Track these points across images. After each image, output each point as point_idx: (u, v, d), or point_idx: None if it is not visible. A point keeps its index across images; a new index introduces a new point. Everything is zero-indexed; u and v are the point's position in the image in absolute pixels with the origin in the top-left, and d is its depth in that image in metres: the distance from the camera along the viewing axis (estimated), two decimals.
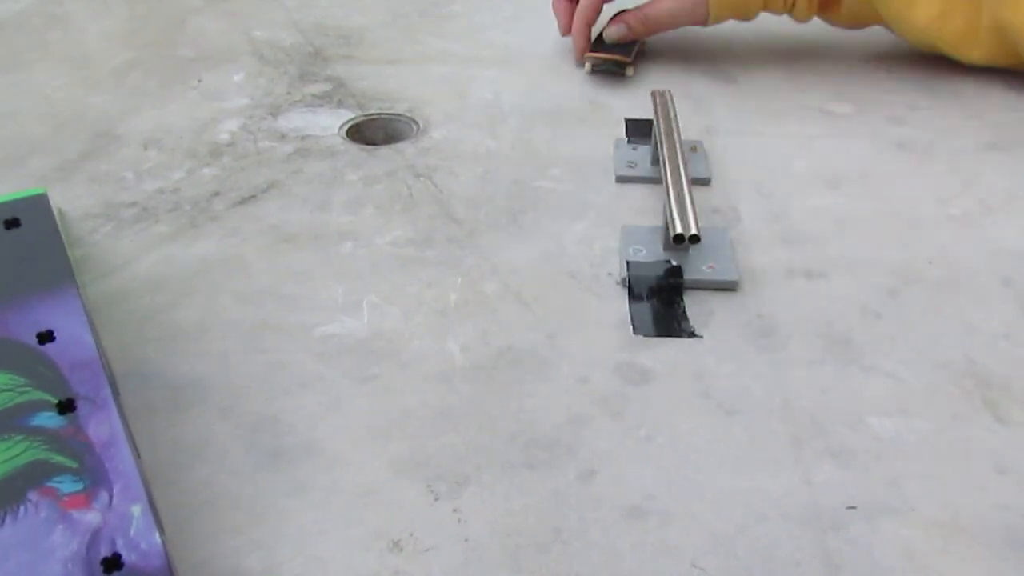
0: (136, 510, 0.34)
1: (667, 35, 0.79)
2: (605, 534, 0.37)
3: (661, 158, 0.56)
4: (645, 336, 0.47)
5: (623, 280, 0.51)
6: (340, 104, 0.69)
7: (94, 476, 0.35)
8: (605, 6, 0.75)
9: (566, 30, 0.76)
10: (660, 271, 0.51)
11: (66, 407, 0.38)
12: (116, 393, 0.40)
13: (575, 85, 0.72)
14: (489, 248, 0.54)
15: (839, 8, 0.72)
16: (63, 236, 0.48)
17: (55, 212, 0.50)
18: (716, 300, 0.50)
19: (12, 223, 0.47)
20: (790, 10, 0.73)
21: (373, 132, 0.67)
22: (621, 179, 0.60)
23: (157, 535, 0.33)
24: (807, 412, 0.43)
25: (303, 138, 0.65)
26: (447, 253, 0.53)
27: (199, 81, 0.72)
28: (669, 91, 0.64)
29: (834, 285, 0.51)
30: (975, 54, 0.70)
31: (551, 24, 0.77)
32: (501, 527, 0.38)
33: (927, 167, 0.62)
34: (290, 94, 0.70)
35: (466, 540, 0.37)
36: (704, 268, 0.51)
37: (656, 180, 0.59)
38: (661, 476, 0.40)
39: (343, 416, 0.43)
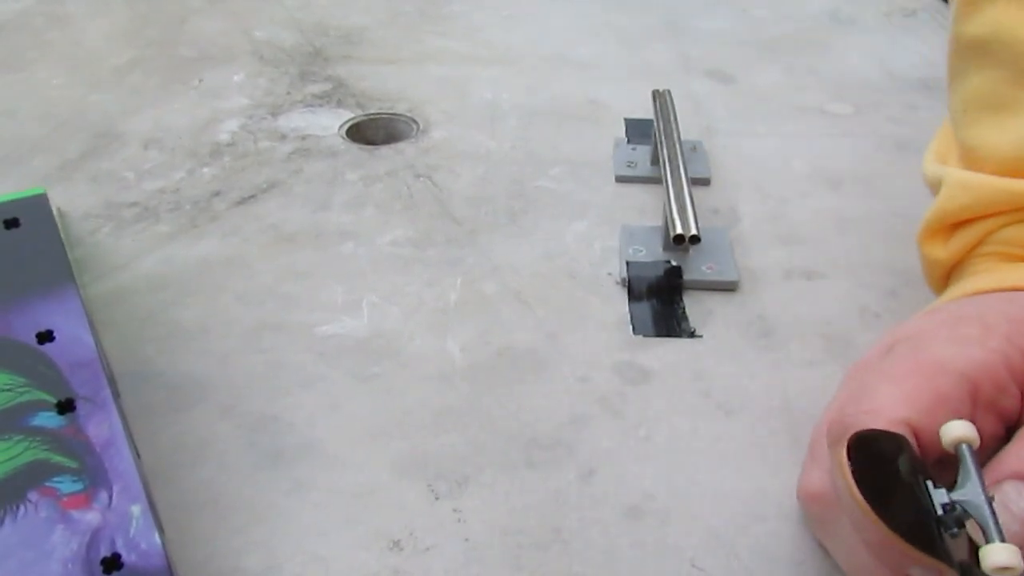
0: (136, 510, 0.34)
1: (665, 37, 0.78)
2: (605, 534, 0.37)
3: (661, 158, 0.56)
4: (645, 336, 0.47)
5: (623, 280, 0.51)
6: (340, 104, 0.69)
7: (94, 476, 0.35)
8: None
9: None
10: (660, 271, 0.51)
11: (66, 407, 0.38)
12: (116, 393, 0.40)
13: (575, 85, 0.72)
14: (489, 248, 0.54)
15: None
16: (63, 236, 0.48)
17: (55, 212, 0.50)
18: (716, 300, 0.50)
19: (11, 223, 0.47)
20: None
21: (373, 132, 0.67)
22: (621, 179, 0.60)
23: (157, 535, 0.33)
24: (807, 412, 0.43)
25: (303, 138, 0.65)
26: (447, 253, 0.53)
27: (199, 81, 0.72)
28: (669, 91, 0.64)
29: (834, 285, 0.51)
30: None
31: (551, 24, 0.77)
32: (501, 527, 0.38)
33: None
34: (290, 94, 0.70)
35: (466, 540, 0.37)
36: (704, 268, 0.51)
37: (656, 180, 0.59)
38: (661, 476, 0.40)
39: (343, 416, 0.43)
